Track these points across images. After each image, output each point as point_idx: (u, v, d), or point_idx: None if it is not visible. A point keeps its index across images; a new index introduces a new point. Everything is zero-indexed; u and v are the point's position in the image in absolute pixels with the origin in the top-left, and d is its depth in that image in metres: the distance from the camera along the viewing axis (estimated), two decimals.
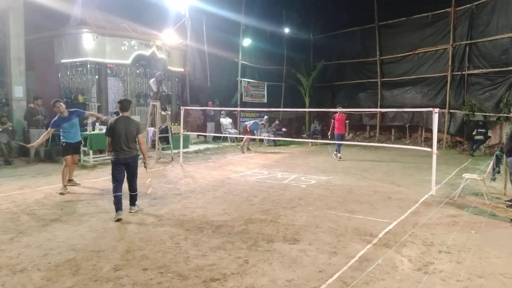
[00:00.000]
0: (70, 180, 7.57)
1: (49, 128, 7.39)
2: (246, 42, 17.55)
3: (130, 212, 5.77)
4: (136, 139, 5.79)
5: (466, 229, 5.20)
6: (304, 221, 5.46)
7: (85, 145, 10.21)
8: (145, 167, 6.06)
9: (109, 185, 7.03)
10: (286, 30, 19.46)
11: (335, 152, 12.21)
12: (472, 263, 4.08)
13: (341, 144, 12.17)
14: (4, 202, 6.32)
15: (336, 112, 12.35)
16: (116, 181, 5.60)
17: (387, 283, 3.60)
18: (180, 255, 4.19)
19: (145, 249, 4.37)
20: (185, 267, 3.90)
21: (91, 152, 10.33)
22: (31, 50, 12.38)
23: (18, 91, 11.41)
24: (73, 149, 7.62)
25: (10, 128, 10.59)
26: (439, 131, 15.53)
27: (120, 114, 5.79)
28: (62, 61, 13.01)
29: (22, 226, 5.14)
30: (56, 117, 7.38)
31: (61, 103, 7.48)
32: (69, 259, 4.06)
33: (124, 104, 5.80)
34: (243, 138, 14.39)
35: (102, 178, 8.42)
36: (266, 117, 16.35)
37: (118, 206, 5.49)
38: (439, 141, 15.77)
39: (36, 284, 3.48)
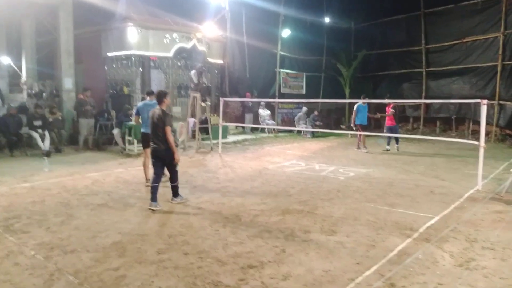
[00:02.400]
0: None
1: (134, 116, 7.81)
2: (285, 32, 17.40)
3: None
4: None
5: None
6: (342, 213, 5.44)
7: (129, 135, 10.65)
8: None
9: (151, 172, 7.31)
10: (327, 19, 19.03)
11: (387, 147, 11.70)
12: None
13: (397, 137, 11.88)
14: (55, 187, 6.76)
15: (386, 105, 12.20)
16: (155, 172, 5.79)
17: (427, 278, 3.53)
18: (219, 242, 4.32)
19: (186, 234, 4.55)
20: (224, 253, 4.02)
21: (135, 141, 10.76)
22: (80, 44, 12.99)
23: (68, 82, 12.06)
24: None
25: (60, 118, 11.24)
26: (487, 123, 14.79)
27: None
28: (108, 54, 13.58)
29: (72, 210, 5.49)
30: (142, 104, 7.35)
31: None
32: (115, 242, 4.30)
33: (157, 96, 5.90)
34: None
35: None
36: (305, 108, 16.23)
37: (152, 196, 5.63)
38: (487, 134, 14.95)
39: (85, 264, 3.73)
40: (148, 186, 6.52)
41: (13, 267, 3.66)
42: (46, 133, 10.42)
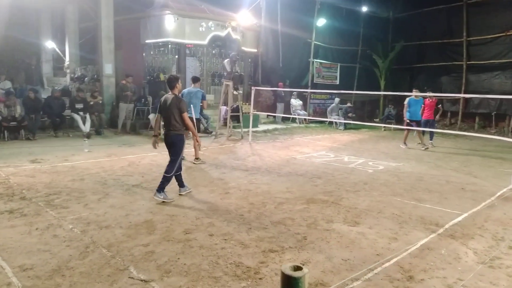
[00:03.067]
0: (197, 159, 7.86)
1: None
2: (321, 22, 17.18)
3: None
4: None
5: None
6: (366, 205, 5.46)
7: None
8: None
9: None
10: (364, 8, 18.59)
11: (424, 142, 11.09)
12: None
13: (432, 131, 11.49)
14: (94, 167, 7.18)
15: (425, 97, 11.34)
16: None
17: (447, 273, 3.54)
18: (243, 226, 4.49)
19: (212, 217, 4.75)
20: (247, 236, 4.18)
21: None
22: (119, 30, 13.46)
23: (108, 68, 12.56)
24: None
25: (101, 102, 11.76)
26: None
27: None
28: (147, 41, 13.99)
29: (108, 189, 5.84)
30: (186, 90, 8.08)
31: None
32: (147, 220, 4.57)
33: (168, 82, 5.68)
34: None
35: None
36: (337, 99, 16.07)
37: (178, 184, 5.74)
38: None
39: (118, 239, 4.01)
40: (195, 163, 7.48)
41: (52, 238, 3.99)
42: (87, 116, 10.98)
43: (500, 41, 15.32)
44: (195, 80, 8.28)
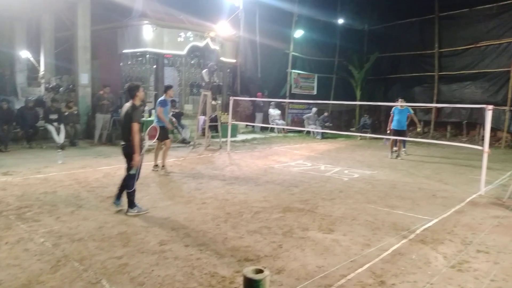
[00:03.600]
0: (163, 167, 7.99)
1: (159, 107, 8.01)
2: (298, 33, 17.51)
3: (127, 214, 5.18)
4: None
5: (510, 231, 5.01)
6: (341, 213, 5.56)
7: (142, 131, 10.91)
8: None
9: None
10: (340, 20, 19.08)
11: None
12: (510, 265, 3.97)
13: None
14: (68, 179, 7.04)
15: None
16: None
17: (417, 277, 3.64)
18: (219, 236, 4.50)
19: (188, 228, 4.74)
20: (223, 246, 4.19)
21: (147, 137, 11.00)
22: (96, 40, 13.33)
23: (84, 78, 12.40)
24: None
25: (76, 112, 11.57)
26: (498, 129, 14.72)
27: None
28: (124, 51, 13.91)
29: (82, 201, 5.74)
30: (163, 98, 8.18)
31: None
32: (121, 232, 4.52)
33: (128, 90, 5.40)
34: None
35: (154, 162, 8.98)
36: (314, 109, 16.31)
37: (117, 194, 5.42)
38: (498, 140, 14.90)
39: (90, 252, 3.94)
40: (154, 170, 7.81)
41: (22, 252, 3.89)
42: (62, 126, 10.75)
43: (470, 53, 15.95)
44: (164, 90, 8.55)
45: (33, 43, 16.18)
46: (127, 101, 5.42)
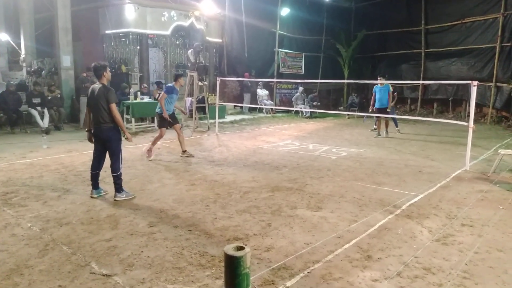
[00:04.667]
0: (184, 151, 7.81)
1: (163, 93, 7.61)
2: (285, 11, 17.27)
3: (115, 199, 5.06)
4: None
5: (494, 204, 5.14)
6: (329, 191, 5.62)
7: (127, 113, 10.79)
8: (126, 139, 5.26)
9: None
10: None
11: (374, 126, 11.50)
12: (494, 237, 4.09)
13: (395, 118, 11.70)
14: (53, 163, 6.95)
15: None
16: (93, 157, 5.21)
17: (403, 251, 3.72)
18: (208, 216, 4.51)
19: (177, 209, 4.74)
20: (212, 226, 4.21)
21: (133, 119, 10.90)
22: (78, 21, 12.98)
23: (66, 60, 12.09)
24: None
25: (59, 96, 11.34)
26: (484, 105, 14.91)
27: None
28: (107, 31, 13.57)
29: (69, 185, 5.68)
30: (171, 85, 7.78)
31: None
32: (109, 215, 4.50)
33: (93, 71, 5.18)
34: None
35: (143, 144, 8.91)
36: (301, 88, 16.26)
37: (92, 183, 5.22)
38: (483, 116, 15.12)
39: (79, 236, 3.93)
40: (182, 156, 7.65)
41: (10, 237, 3.86)
42: (45, 110, 10.56)
43: (456, 29, 15.97)
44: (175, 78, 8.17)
45: (12, 26, 15.68)
46: (113, 82, 5.27)
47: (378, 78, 10.82)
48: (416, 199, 5.28)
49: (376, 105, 10.83)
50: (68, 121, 11.69)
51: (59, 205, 4.80)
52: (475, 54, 15.31)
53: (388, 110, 10.75)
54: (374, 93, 11.01)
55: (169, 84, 8.01)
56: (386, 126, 11.12)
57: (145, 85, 12.73)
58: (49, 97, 10.97)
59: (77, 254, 3.51)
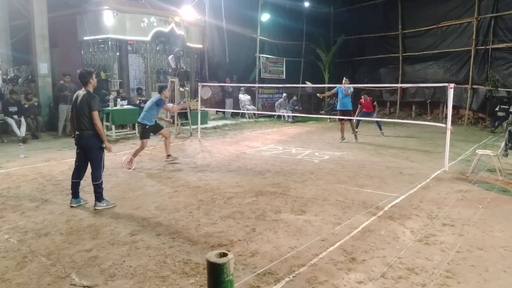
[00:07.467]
0: (168, 156, 7.90)
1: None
2: (265, 17, 17.38)
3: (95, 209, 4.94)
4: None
5: (473, 204, 5.26)
6: (312, 194, 5.64)
7: (107, 120, 10.61)
8: (105, 148, 5.04)
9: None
10: (306, 3, 19.09)
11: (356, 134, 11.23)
12: (474, 236, 4.17)
13: (379, 122, 12.06)
14: (31, 173, 6.76)
15: (360, 98, 11.90)
16: (75, 165, 5.11)
17: (386, 252, 3.76)
18: (192, 223, 4.46)
19: (159, 217, 4.67)
20: (196, 233, 4.16)
21: (113, 127, 10.72)
22: (55, 27, 12.71)
23: (43, 68, 11.82)
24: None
25: (36, 104, 11.07)
26: (461, 107, 15.31)
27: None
28: (85, 38, 13.35)
29: (47, 195, 5.53)
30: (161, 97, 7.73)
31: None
32: (89, 225, 4.39)
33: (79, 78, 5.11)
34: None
35: (124, 151, 8.77)
36: (285, 94, 16.37)
37: (72, 192, 5.10)
38: (460, 117, 15.52)
39: (58, 246, 3.82)
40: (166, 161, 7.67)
41: None
42: (22, 119, 10.29)
43: (432, 33, 16.39)
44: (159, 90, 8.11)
45: None
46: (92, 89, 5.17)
47: (344, 80, 10.37)
48: (397, 200, 5.36)
49: (339, 107, 10.53)
50: (46, 130, 11.42)
51: (38, 216, 4.67)
52: (451, 57, 15.74)
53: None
54: (360, 106, 11.22)
55: (159, 97, 7.76)
56: (353, 130, 10.87)
57: (121, 89, 12.54)
58: (26, 106, 10.70)
59: (57, 266, 3.41)
